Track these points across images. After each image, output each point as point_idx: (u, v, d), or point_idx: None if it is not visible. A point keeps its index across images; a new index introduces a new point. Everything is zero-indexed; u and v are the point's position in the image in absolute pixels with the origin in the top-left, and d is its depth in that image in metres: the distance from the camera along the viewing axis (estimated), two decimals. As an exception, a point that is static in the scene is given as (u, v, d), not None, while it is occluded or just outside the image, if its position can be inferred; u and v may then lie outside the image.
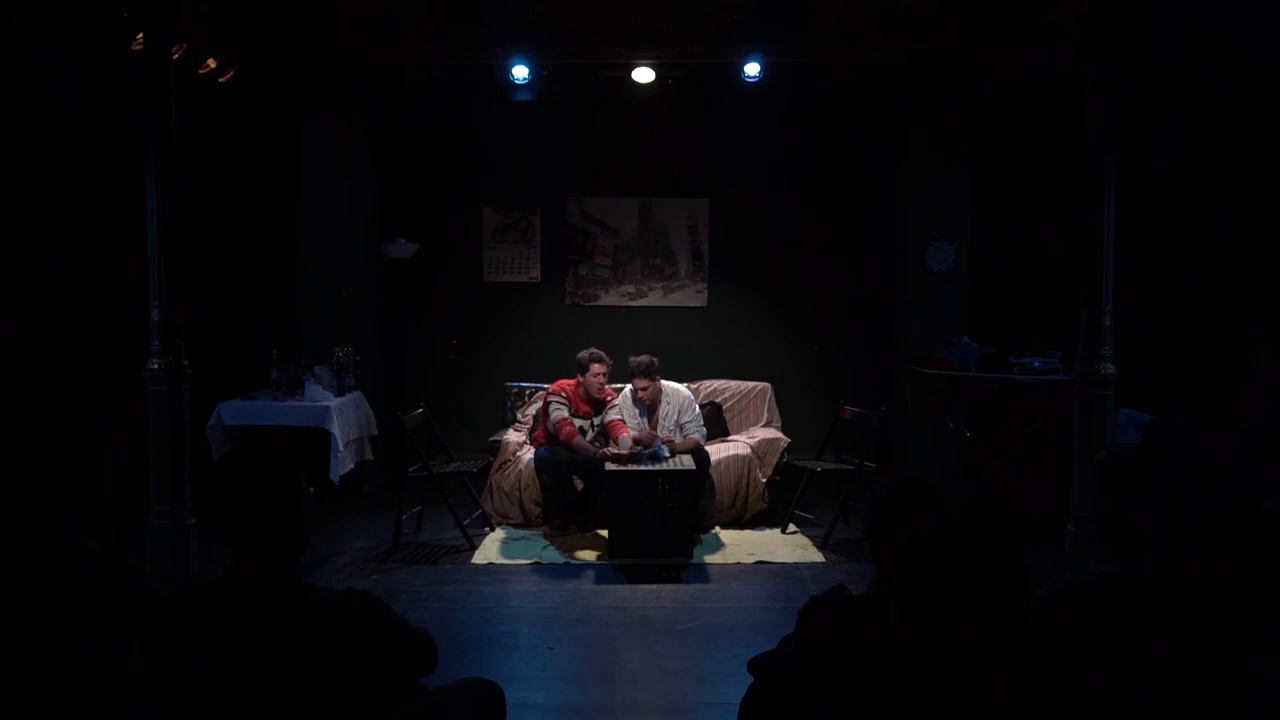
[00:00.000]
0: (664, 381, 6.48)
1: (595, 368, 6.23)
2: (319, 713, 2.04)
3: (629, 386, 6.49)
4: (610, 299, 8.06)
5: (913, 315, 7.39)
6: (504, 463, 6.61)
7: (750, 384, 7.25)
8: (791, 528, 6.34)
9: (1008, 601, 1.74)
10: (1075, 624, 2.10)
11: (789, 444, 6.73)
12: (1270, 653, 2.07)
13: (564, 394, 6.27)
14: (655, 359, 6.38)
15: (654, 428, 6.35)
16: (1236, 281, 6.61)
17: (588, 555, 5.79)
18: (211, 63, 5.92)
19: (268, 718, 2.03)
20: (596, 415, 6.34)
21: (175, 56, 5.12)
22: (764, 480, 6.48)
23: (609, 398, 6.37)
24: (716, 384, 7.27)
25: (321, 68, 6.90)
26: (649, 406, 6.43)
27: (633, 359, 6.39)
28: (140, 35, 5.00)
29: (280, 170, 7.33)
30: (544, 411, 6.34)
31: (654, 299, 8.06)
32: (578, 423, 6.24)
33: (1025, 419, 6.54)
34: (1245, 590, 2.13)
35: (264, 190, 7.46)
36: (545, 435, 6.28)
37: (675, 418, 6.40)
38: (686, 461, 5.99)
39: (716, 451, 6.46)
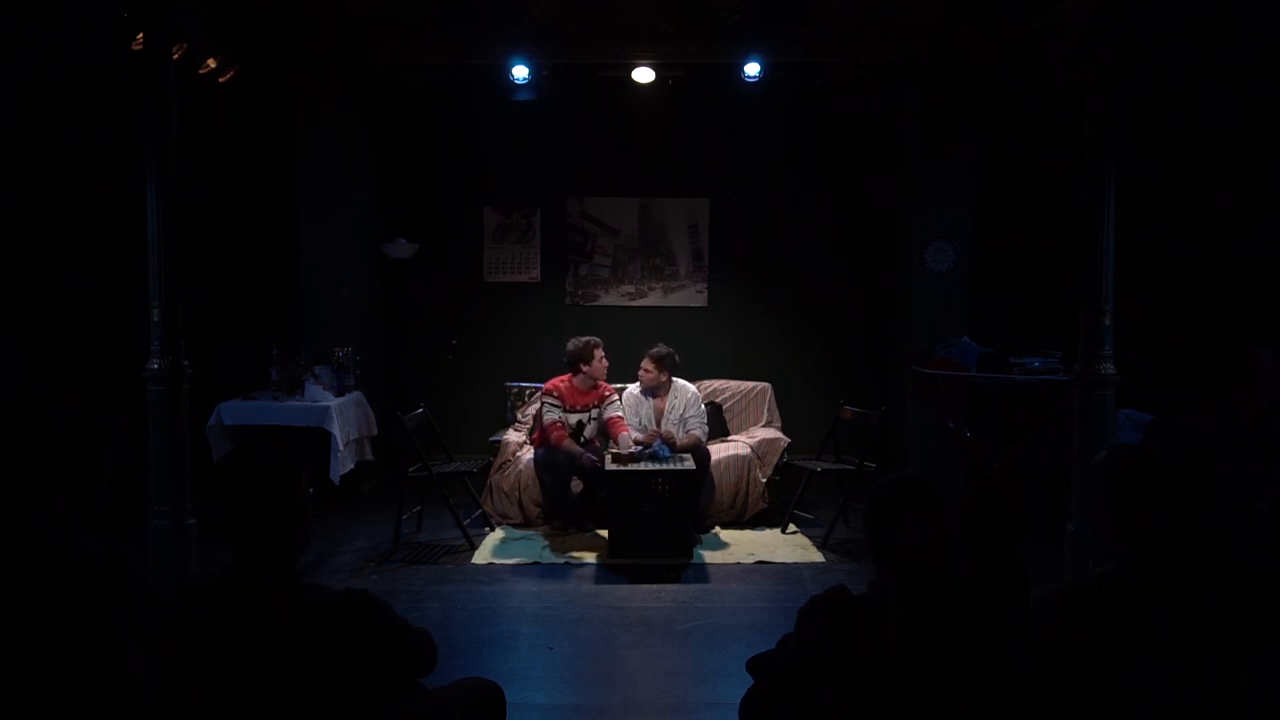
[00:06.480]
0: (674, 379, 6.50)
1: (598, 354, 6.25)
2: (319, 712, 2.04)
3: (631, 385, 6.51)
4: (610, 299, 8.06)
5: (913, 315, 7.39)
6: (504, 463, 6.61)
7: (750, 384, 7.25)
8: (791, 528, 6.34)
9: (1007, 601, 1.74)
10: (1075, 624, 2.11)
11: (789, 444, 6.73)
12: (1270, 653, 2.06)
13: (556, 393, 6.26)
14: (676, 354, 6.45)
15: (658, 418, 6.37)
16: (1237, 282, 6.61)
17: (587, 555, 5.79)
18: (211, 63, 5.93)
19: (268, 717, 2.03)
20: (595, 408, 6.32)
21: (175, 56, 5.13)
22: (764, 480, 6.48)
23: (609, 394, 6.36)
24: (716, 384, 7.27)
25: (322, 68, 6.91)
26: (651, 391, 6.44)
27: (659, 347, 6.48)
28: (140, 35, 5.01)
29: (280, 170, 7.33)
30: (539, 413, 6.34)
31: (654, 299, 8.05)
32: (576, 417, 6.25)
33: (1025, 419, 6.54)
34: (1245, 590, 2.13)
35: (264, 190, 7.46)
36: (543, 436, 6.27)
37: (680, 412, 6.41)
38: (687, 461, 6.00)
39: (716, 451, 6.47)
